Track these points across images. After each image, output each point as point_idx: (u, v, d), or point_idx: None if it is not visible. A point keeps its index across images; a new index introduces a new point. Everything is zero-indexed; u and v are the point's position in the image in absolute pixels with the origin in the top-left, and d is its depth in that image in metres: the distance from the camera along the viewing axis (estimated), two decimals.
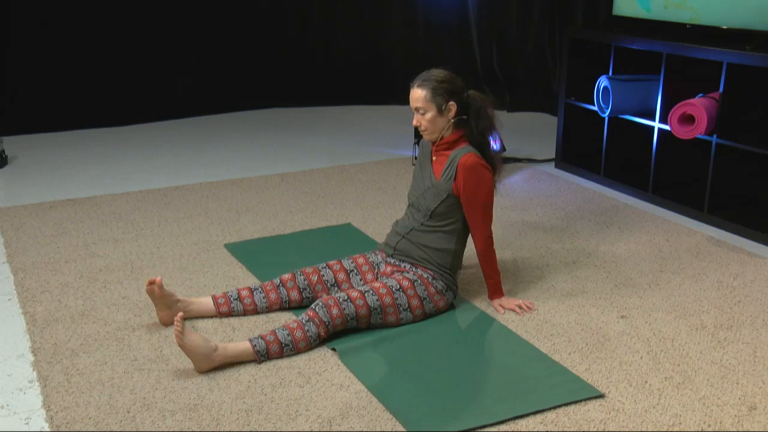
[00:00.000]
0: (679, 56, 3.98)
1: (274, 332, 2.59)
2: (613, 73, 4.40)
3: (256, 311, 2.87)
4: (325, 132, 5.72)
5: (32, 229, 3.74)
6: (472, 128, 2.84)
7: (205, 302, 2.85)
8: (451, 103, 2.79)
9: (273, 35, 6.25)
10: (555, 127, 4.87)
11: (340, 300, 2.67)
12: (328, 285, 2.89)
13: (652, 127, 4.17)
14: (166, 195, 4.25)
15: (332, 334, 2.70)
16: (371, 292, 2.73)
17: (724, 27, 3.94)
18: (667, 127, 3.96)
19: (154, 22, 5.80)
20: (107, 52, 5.68)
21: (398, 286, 2.78)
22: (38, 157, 5.00)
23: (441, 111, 2.79)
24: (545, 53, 6.14)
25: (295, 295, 2.88)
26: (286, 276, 2.90)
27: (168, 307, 2.78)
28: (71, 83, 5.62)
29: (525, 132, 5.62)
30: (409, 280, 2.81)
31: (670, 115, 3.87)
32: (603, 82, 4.32)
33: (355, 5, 6.39)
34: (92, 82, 5.67)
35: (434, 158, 2.90)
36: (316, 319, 2.62)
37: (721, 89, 3.75)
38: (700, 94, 3.88)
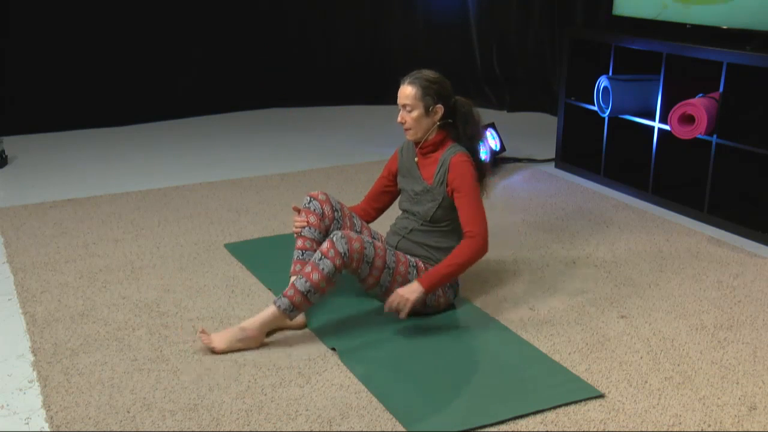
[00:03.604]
0: (679, 56, 3.98)
1: (292, 284, 2.61)
2: (613, 73, 4.40)
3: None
4: (325, 132, 5.72)
5: (32, 229, 3.74)
6: (459, 132, 2.84)
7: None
8: (439, 105, 2.79)
9: (273, 35, 6.25)
10: (555, 127, 4.86)
11: (364, 239, 2.67)
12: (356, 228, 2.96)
13: (652, 127, 4.16)
14: (166, 195, 4.25)
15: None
16: (392, 252, 2.76)
17: (724, 27, 3.94)
18: (667, 127, 3.96)
19: (154, 22, 5.80)
20: (107, 51, 5.68)
21: (414, 263, 2.81)
22: (38, 157, 5.00)
23: (428, 111, 2.79)
24: (545, 53, 6.14)
25: (327, 209, 2.89)
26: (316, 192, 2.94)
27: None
28: (71, 83, 5.61)
29: (525, 132, 5.61)
30: (423, 264, 2.83)
31: (670, 115, 3.87)
32: (603, 82, 4.32)
33: (355, 5, 6.39)
34: (92, 82, 5.67)
35: (420, 161, 2.89)
36: (331, 251, 2.60)
37: (721, 89, 3.75)
38: (700, 94, 3.88)
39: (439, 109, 2.80)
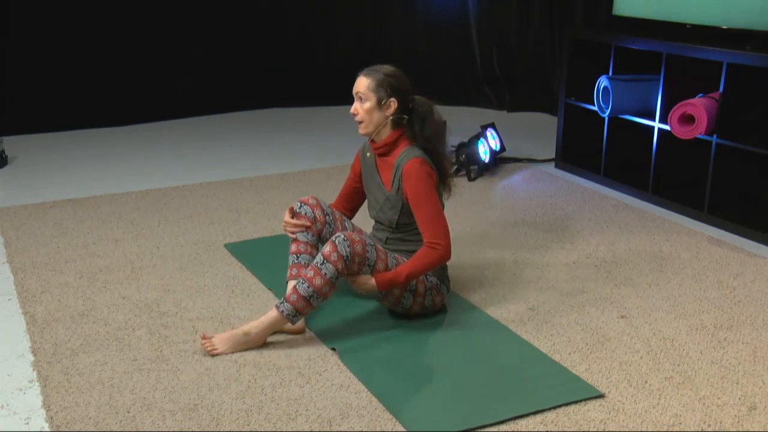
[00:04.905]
0: (679, 56, 3.98)
1: (294, 289, 2.60)
2: (613, 73, 4.40)
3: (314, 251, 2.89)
4: (325, 132, 5.72)
5: (32, 229, 3.74)
6: (415, 132, 2.80)
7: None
8: (392, 99, 2.76)
9: (273, 35, 6.25)
10: (555, 127, 4.86)
11: (366, 242, 2.65)
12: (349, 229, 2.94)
13: (652, 127, 4.16)
14: (166, 195, 4.25)
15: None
16: (392, 255, 2.74)
17: (724, 27, 3.94)
18: (667, 127, 3.96)
19: (154, 22, 5.80)
20: (107, 51, 5.68)
21: None
22: (38, 157, 5.00)
23: (380, 104, 2.76)
24: (545, 53, 6.13)
25: (319, 213, 2.91)
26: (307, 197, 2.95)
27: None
28: (71, 83, 5.61)
29: (525, 132, 5.61)
30: None
31: (670, 115, 3.87)
32: (603, 82, 4.32)
33: (355, 5, 6.39)
34: (92, 82, 5.67)
35: (378, 163, 2.88)
36: (333, 255, 2.57)
37: (721, 89, 3.75)
38: (700, 94, 3.88)
39: (393, 103, 2.77)
